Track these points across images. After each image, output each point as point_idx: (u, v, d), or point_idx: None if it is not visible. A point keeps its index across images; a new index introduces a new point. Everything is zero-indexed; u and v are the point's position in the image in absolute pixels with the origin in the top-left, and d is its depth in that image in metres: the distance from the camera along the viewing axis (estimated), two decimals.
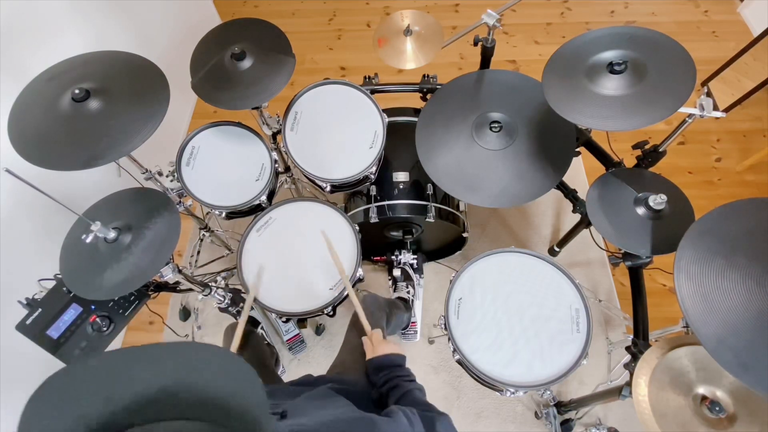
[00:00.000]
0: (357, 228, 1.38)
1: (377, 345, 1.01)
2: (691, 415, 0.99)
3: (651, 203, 1.21)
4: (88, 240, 1.09)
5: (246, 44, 1.32)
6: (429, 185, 1.65)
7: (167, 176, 1.46)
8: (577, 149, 1.49)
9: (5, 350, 1.43)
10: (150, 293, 1.39)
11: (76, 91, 1.10)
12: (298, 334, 1.83)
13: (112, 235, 1.14)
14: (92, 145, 1.09)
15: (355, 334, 1.19)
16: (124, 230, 1.16)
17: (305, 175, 1.47)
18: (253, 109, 1.40)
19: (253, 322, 1.76)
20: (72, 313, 1.23)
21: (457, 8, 3.02)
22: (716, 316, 0.88)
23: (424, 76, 1.63)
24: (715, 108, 1.11)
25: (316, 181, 1.48)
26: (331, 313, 1.33)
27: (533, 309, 1.23)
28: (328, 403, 0.80)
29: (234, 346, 1.11)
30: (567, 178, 1.38)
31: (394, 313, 1.50)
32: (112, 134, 1.10)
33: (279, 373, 1.83)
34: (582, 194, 1.48)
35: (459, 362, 1.22)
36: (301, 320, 1.91)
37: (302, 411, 0.71)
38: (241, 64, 1.31)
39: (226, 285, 1.56)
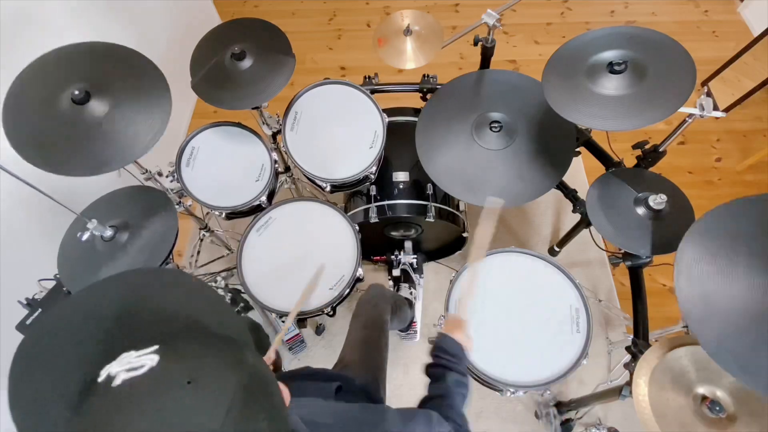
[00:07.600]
0: (357, 228, 1.38)
1: (454, 325, 0.95)
2: (691, 415, 0.99)
3: (651, 203, 1.21)
4: (84, 238, 1.09)
5: (246, 44, 1.32)
6: (429, 185, 1.65)
7: (167, 177, 1.46)
8: (577, 149, 1.49)
9: (5, 350, 1.42)
10: None
11: (76, 92, 1.07)
12: (298, 334, 1.83)
13: (108, 233, 1.14)
14: (99, 152, 1.07)
15: (356, 328, 1.19)
16: (121, 228, 1.16)
17: (305, 175, 1.47)
18: (253, 109, 1.40)
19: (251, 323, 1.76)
20: None
21: (457, 8, 3.01)
22: (716, 317, 0.87)
23: (424, 76, 1.63)
24: (715, 108, 1.10)
25: (316, 181, 1.48)
26: (331, 313, 1.33)
27: (533, 309, 1.23)
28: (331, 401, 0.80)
29: (277, 340, 1.00)
30: (567, 178, 1.38)
31: (400, 306, 1.49)
32: (117, 142, 1.09)
33: None
34: (582, 194, 1.48)
35: None
36: (301, 320, 1.90)
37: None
38: (241, 64, 1.31)
39: (226, 285, 1.56)
